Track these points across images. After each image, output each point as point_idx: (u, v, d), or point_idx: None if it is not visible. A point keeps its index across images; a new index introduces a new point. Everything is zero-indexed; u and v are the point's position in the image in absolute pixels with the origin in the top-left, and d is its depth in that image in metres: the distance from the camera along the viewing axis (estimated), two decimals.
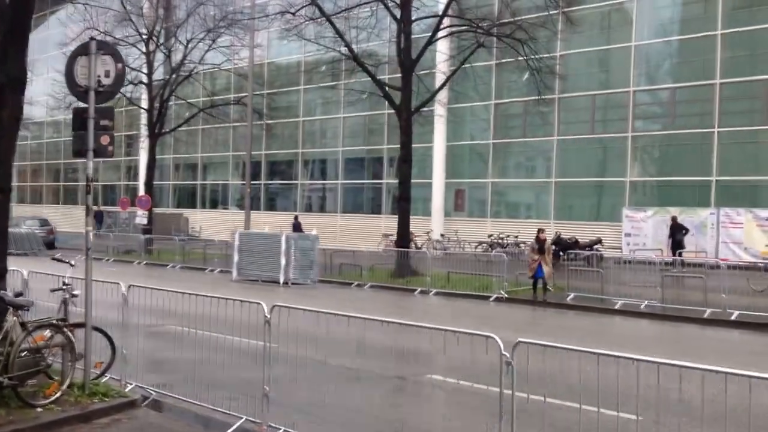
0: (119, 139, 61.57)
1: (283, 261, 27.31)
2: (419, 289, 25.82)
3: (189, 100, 40.53)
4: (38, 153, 70.76)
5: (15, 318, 9.46)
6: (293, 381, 9.60)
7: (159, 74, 40.80)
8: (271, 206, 48.15)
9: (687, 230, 31.48)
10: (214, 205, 55.97)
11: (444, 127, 40.81)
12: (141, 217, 39.57)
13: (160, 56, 40.09)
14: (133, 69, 40.37)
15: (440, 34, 30.48)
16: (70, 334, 9.94)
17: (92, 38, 10.50)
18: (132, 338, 10.89)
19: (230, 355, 10.20)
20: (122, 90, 40.37)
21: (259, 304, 9.13)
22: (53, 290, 10.93)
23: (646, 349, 13.49)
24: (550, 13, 29.59)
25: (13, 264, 11.09)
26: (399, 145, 30.20)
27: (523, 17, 29.95)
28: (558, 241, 32.53)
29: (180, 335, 11.16)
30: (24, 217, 48.93)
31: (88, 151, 10.41)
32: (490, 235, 37.46)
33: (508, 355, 6.96)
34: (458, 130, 42.09)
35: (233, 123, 44.41)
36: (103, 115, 10.60)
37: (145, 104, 41.60)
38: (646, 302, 21.45)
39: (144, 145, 52.75)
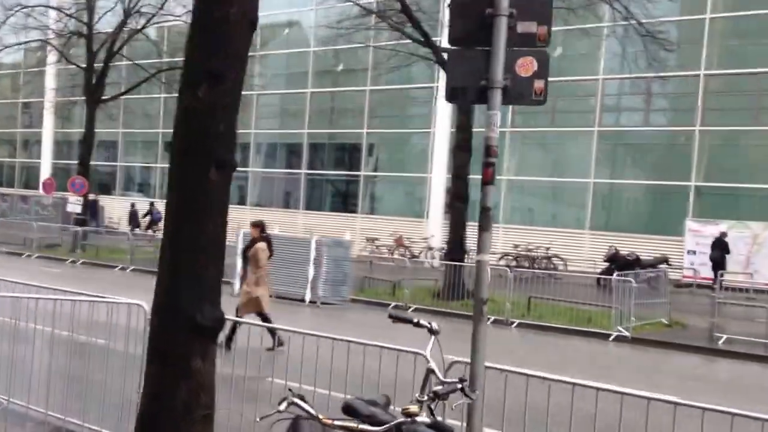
0: (12, 107, 51.85)
1: (311, 273, 21.13)
2: (492, 318, 18.98)
3: (137, 62, 31.99)
4: None
5: None
6: None
7: (103, 25, 31.80)
8: None
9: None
10: (131, 191, 47.53)
11: (449, 110, 32.37)
12: (74, 205, 31.87)
13: (103, 2, 31.29)
14: (70, 16, 31.67)
15: None
16: None
17: None
18: None
19: None
20: (54, 42, 32.46)
21: None
22: (445, 393, 4.95)
23: None
24: None
25: None
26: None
27: None
28: (614, 258, 27.12)
29: None
30: None
31: (492, 90, 4.86)
32: (516, 246, 30.64)
33: None
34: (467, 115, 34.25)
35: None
36: (529, 12, 4.96)
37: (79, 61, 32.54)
38: None
39: (50, 113, 43.98)
